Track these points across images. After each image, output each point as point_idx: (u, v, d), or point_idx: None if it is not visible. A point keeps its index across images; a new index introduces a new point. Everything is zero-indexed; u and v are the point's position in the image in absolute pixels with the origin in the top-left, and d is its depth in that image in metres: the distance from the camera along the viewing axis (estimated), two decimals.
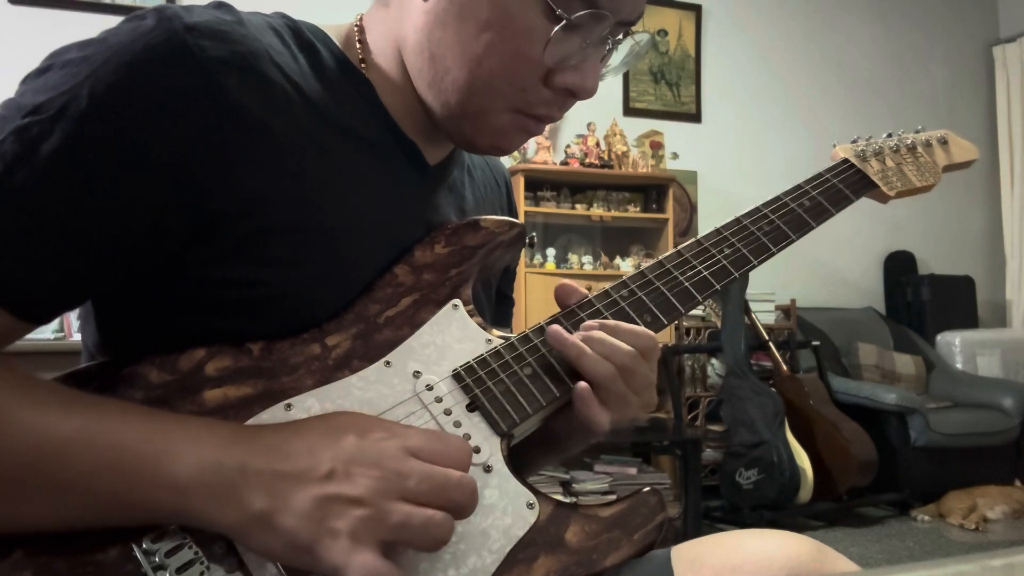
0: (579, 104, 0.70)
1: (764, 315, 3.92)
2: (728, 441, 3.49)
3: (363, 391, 0.63)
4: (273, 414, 0.60)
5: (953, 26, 5.23)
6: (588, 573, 0.60)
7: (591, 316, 0.70)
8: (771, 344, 3.64)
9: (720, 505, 3.49)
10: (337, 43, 0.70)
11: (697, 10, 4.52)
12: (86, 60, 0.56)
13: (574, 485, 3.18)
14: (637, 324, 0.70)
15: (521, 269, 3.44)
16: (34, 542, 0.53)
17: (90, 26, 1.19)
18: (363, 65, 0.70)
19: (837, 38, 4.87)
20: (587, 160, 3.84)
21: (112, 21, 0.59)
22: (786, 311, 4.16)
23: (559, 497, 0.74)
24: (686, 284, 0.74)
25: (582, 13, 0.62)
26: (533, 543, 0.60)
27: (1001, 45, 5.24)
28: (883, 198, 0.88)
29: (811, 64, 4.80)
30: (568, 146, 3.91)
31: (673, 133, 4.30)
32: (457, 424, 0.64)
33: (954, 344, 4.45)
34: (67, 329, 2.61)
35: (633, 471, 3.33)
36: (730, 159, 4.49)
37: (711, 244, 0.77)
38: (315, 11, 0.90)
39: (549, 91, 0.66)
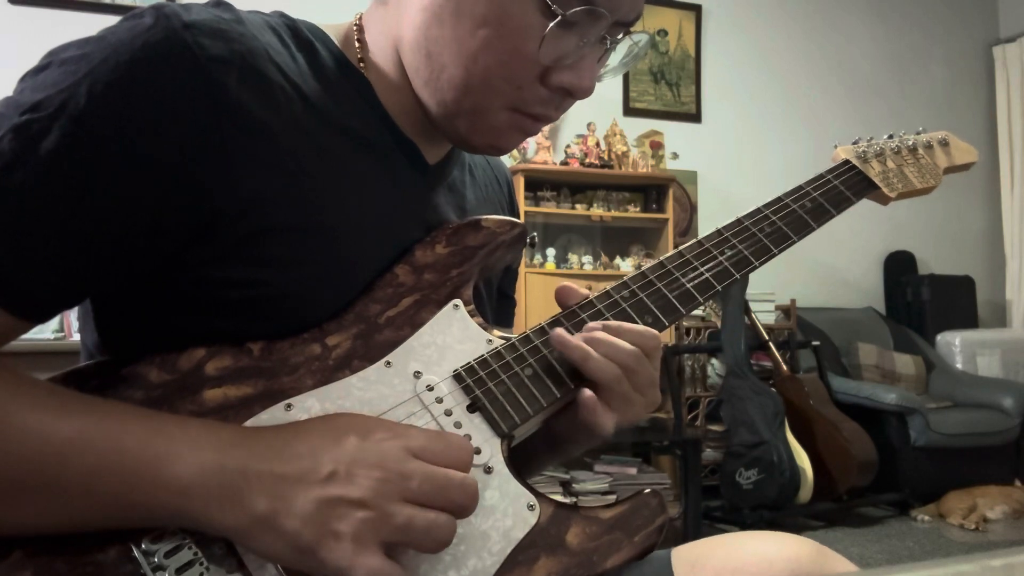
0: (579, 104, 0.70)
1: (764, 315, 3.92)
2: (728, 441, 3.49)
3: (363, 391, 0.63)
4: (273, 414, 0.60)
5: (953, 26, 5.23)
6: (589, 575, 0.60)
7: (592, 317, 0.70)
8: (771, 344, 3.64)
9: (720, 505, 3.49)
10: (336, 42, 0.70)
11: (697, 10, 4.52)
12: (85, 58, 0.56)
13: (574, 485, 3.18)
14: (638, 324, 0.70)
15: (521, 269, 3.42)
16: (34, 542, 0.53)
17: (90, 26, 1.19)
18: (362, 64, 0.70)
19: (837, 38, 4.87)
20: (587, 160, 3.84)
21: (111, 21, 0.59)
22: (786, 311, 4.16)
23: (559, 498, 0.74)
24: (687, 285, 0.73)
25: (578, 10, 0.61)
26: (534, 545, 0.60)
27: (1001, 45, 5.24)
28: (884, 199, 0.88)
29: (811, 64, 4.80)
30: (568, 146, 3.91)
31: (673, 133, 4.30)
32: (458, 425, 0.64)
33: (954, 344, 4.45)
34: (67, 329, 2.61)
35: (633, 471, 3.33)
36: (730, 159, 4.49)
37: (712, 245, 0.76)
38: (315, 11, 0.90)
39: (546, 90, 0.65)
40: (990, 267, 5.19)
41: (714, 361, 3.96)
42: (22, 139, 0.54)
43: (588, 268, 3.76)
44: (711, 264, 0.75)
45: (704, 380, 3.98)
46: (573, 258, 3.79)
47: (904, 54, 5.06)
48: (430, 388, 0.65)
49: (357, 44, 0.71)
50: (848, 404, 3.70)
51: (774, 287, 4.08)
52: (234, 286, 0.61)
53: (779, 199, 0.81)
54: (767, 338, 3.64)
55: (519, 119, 0.67)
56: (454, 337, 0.68)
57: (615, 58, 0.69)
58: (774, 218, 0.79)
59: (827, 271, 4.65)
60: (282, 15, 0.68)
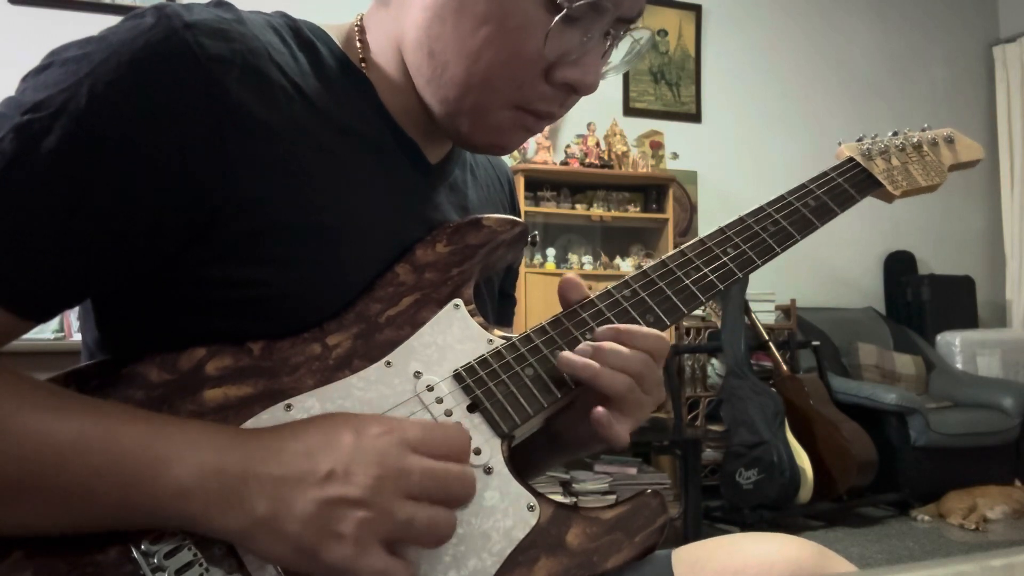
0: (579, 104, 0.70)
1: (764, 315, 3.92)
2: (728, 441, 3.49)
3: (364, 391, 0.63)
4: (273, 414, 0.60)
5: (953, 26, 5.23)
6: (589, 575, 0.60)
7: (593, 316, 0.70)
8: (771, 344, 3.64)
9: (720, 505, 3.49)
10: (337, 42, 0.70)
11: (697, 10, 4.52)
12: (86, 58, 0.56)
13: (574, 485, 3.18)
14: (640, 325, 0.69)
15: (521, 269, 3.43)
16: (34, 542, 0.53)
17: (90, 26, 1.19)
18: (363, 64, 0.70)
19: (837, 38, 4.87)
20: (587, 160, 3.84)
21: (112, 21, 0.59)
22: (786, 311, 4.16)
23: (559, 498, 0.74)
24: (689, 285, 0.73)
25: (582, 3, 0.61)
26: (534, 545, 0.60)
27: (1001, 45, 5.24)
28: (888, 197, 0.87)
29: (811, 64, 4.80)
30: (568, 146, 3.91)
31: (673, 133, 4.30)
32: None
33: (954, 344, 4.45)
34: (67, 329, 2.61)
35: (633, 471, 3.33)
36: (730, 159, 4.49)
37: (715, 244, 0.76)
38: (315, 11, 0.90)
39: (549, 87, 0.65)
40: (990, 267, 5.19)
41: (714, 361, 3.96)
42: (23, 139, 0.54)
43: (588, 268, 3.76)
44: (714, 263, 0.75)
45: (704, 380, 3.98)
46: (573, 258, 3.79)
47: (904, 54, 5.06)
48: (430, 388, 0.64)
49: (358, 44, 0.71)
50: (848, 404, 3.70)
51: (774, 287, 4.08)
52: (234, 286, 0.60)
53: (782, 197, 0.80)
54: (767, 338, 3.64)
55: (522, 117, 0.67)
56: (455, 337, 0.67)
57: (617, 56, 0.69)
58: (777, 216, 0.78)
59: (827, 271, 4.65)
60: (283, 15, 0.68)
